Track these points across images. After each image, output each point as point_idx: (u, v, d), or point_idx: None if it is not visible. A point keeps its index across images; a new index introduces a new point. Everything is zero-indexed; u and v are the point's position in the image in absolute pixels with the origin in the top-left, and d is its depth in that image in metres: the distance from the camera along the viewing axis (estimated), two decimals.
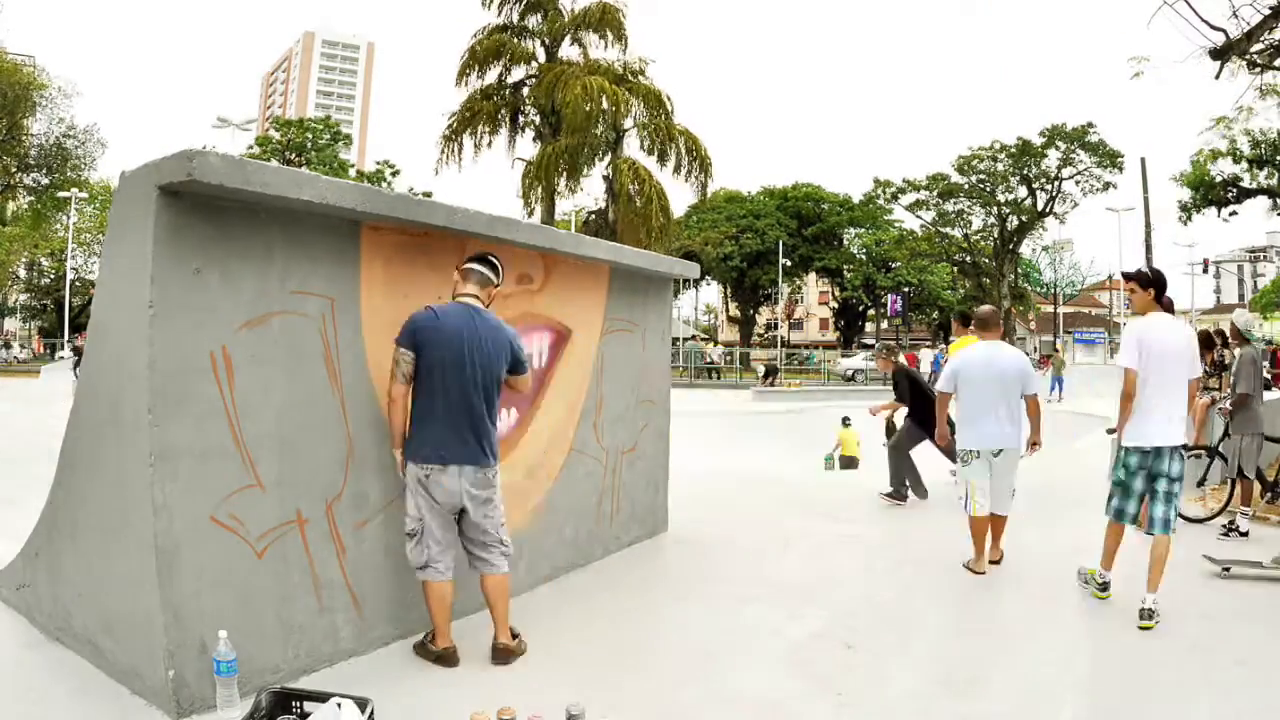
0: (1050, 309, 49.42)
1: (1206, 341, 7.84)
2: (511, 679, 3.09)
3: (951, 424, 5.29)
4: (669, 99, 23.61)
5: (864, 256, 46.88)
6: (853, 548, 5.40)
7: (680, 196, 49.96)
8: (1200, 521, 5.98)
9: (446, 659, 3.20)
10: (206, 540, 2.76)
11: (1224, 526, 5.73)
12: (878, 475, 9.68)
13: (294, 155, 40.12)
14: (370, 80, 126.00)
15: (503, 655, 3.25)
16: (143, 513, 2.65)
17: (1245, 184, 22.36)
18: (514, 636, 3.33)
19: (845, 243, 48.05)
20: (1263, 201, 22.85)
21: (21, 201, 32.69)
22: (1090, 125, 33.08)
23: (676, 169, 23.52)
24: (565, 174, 23.34)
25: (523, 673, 3.16)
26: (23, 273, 40.95)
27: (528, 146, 24.74)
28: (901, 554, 5.24)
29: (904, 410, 7.25)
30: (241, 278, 2.86)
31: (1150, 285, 4.07)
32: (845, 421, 12.98)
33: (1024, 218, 34.45)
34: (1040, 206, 34.38)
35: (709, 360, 34.05)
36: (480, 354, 3.15)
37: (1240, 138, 19.76)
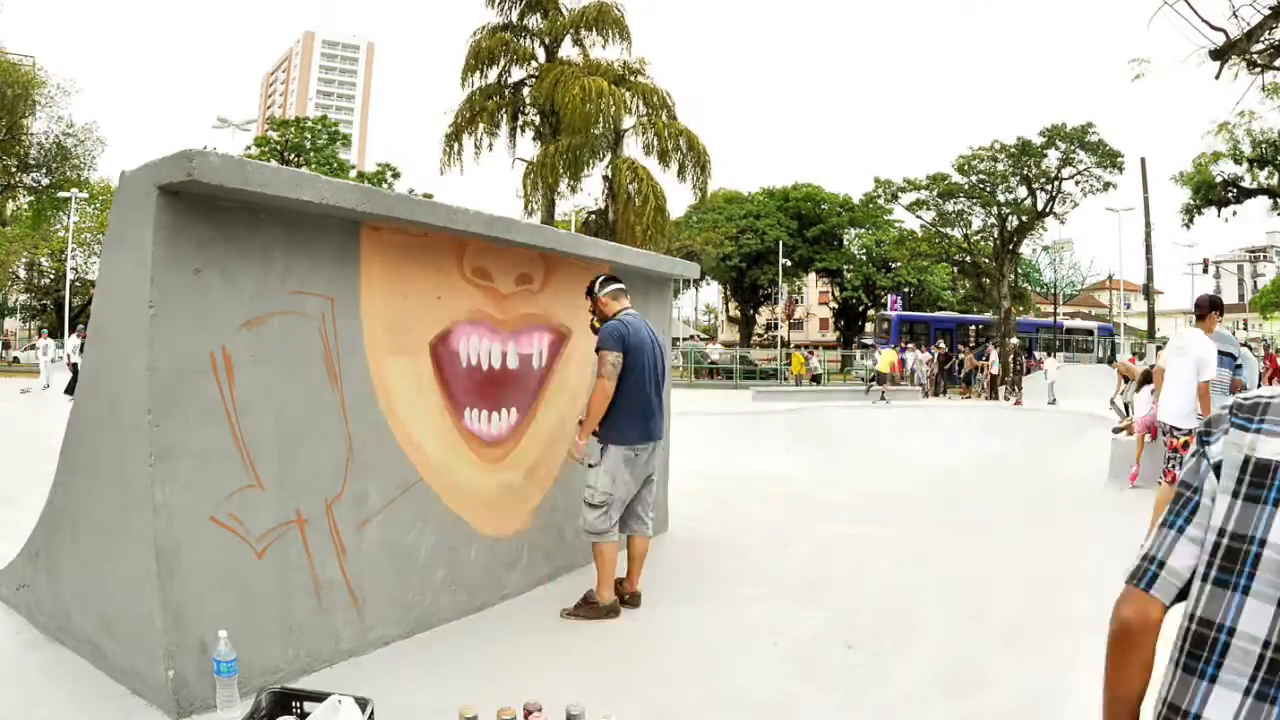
0: (1050, 309, 49.42)
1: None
2: (511, 679, 3.09)
3: None
4: (669, 97, 23.59)
5: (864, 257, 46.85)
6: (853, 548, 5.40)
7: (681, 196, 49.96)
8: None
9: (615, 610, 3.81)
10: (206, 540, 2.76)
11: None
12: (877, 475, 9.67)
13: (293, 155, 40.10)
14: (370, 80, 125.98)
15: (638, 599, 3.99)
16: (143, 513, 2.65)
17: (1245, 184, 22.35)
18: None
19: (845, 243, 48.04)
20: (1263, 201, 22.84)
21: (21, 201, 32.65)
22: (1090, 125, 33.02)
23: (680, 170, 23.50)
24: (567, 174, 23.32)
25: (523, 673, 3.16)
26: (23, 273, 40.90)
27: (528, 147, 24.76)
28: (902, 553, 5.24)
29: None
30: (241, 278, 2.86)
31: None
32: None
33: (1024, 218, 34.37)
34: (1040, 206, 34.31)
35: (711, 360, 33.94)
36: (658, 353, 3.99)
37: (1242, 139, 19.76)
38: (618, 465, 3.76)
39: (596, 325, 3.99)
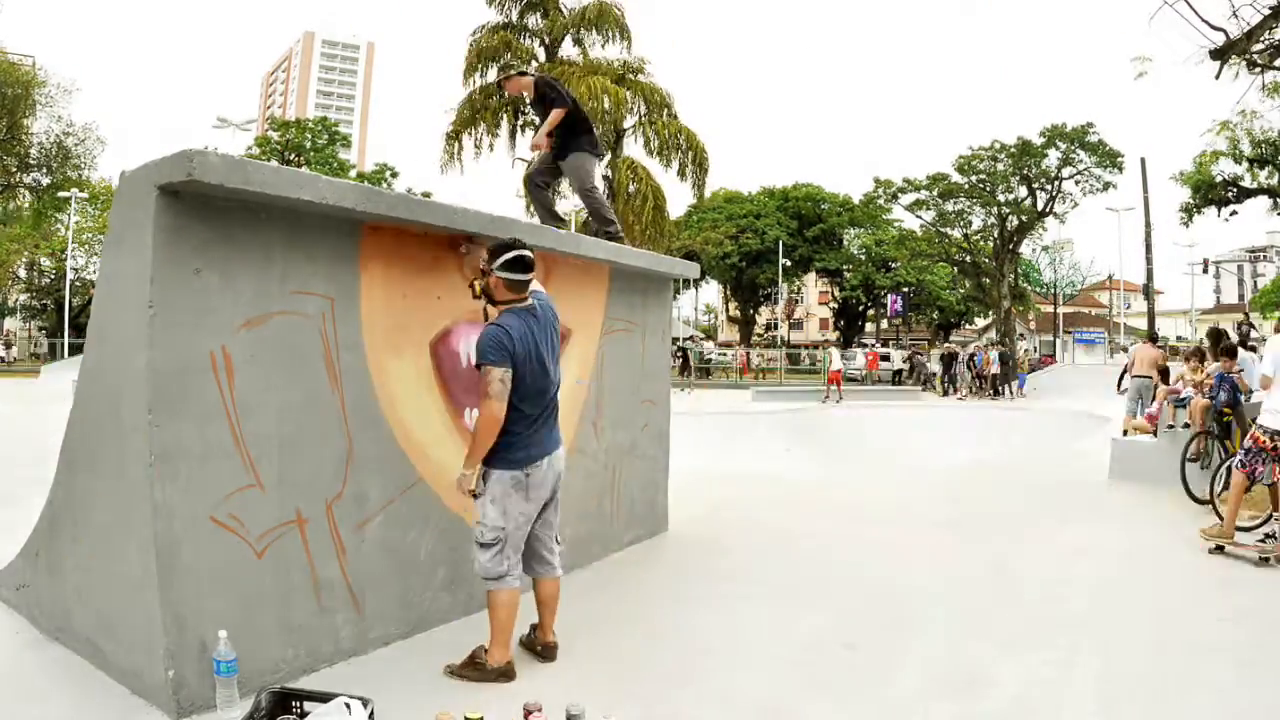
0: (1050, 309, 49.40)
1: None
2: (510, 680, 3.09)
3: None
4: (670, 96, 23.58)
5: (864, 256, 46.86)
6: (853, 548, 5.40)
7: (681, 196, 49.98)
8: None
9: (509, 674, 3.13)
10: (206, 540, 2.76)
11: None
12: (876, 475, 9.68)
13: (293, 156, 40.11)
14: (370, 80, 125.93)
15: (553, 651, 3.36)
16: (143, 513, 2.65)
17: (1245, 184, 22.32)
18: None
19: (845, 243, 48.04)
20: (1263, 201, 22.80)
21: (22, 201, 32.64)
22: (1090, 125, 33.04)
23: (681, 170, 23.49)
24: None
25: (522, 673, 3.15)
26: (23, 273, 40.91)
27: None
28: (902, 553, 5.24)
29: None
30: (241, 278, 2.86)
31: None
32: None
33: (1024, 218, 34.40)
34: (1040, 206, 34.34)
35: (706, 359, 34.00)
36: (550, 343, 3.23)
37: (1242, 138, 19.71)
38: (505, 492, 3.11)
39: (478, 291, 3.24)
